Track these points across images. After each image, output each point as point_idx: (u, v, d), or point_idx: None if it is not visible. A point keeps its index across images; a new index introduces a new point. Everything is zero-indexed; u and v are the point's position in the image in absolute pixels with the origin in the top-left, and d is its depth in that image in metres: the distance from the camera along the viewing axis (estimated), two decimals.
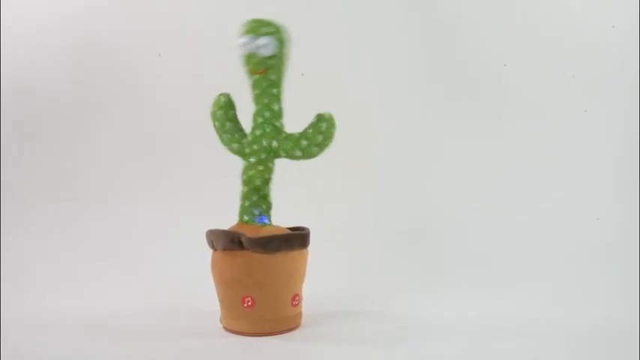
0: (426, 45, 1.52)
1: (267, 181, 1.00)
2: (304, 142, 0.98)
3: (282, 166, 1.02)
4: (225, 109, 1.03)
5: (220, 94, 1.04)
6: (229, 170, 1.03)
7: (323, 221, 1.14)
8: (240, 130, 1.03)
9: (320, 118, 0.99)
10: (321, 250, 1.04)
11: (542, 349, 0.91)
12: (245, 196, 1.01)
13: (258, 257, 0.95)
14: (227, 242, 0.97)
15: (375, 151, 1.48)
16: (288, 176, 1.04)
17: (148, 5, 1.55)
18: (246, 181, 1.00)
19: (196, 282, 1.04)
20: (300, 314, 1.02)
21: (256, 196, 1.00)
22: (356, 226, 1.39)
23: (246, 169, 1.01)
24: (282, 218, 1.03)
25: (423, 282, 1.22)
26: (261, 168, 1.00)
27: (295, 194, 1.23)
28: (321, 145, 0.99)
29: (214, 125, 1.04)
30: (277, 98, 1.00)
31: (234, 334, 0.98)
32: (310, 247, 1.01)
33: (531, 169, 1.47)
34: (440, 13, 1.53)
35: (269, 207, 1.01)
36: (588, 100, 1.48)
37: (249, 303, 0.96)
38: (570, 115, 1.48)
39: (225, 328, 1.00)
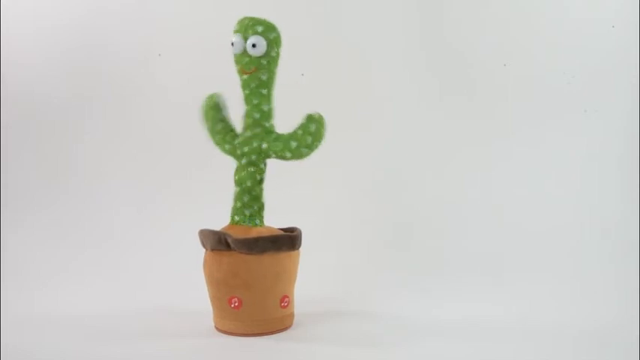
0: (425, 45, 1.52)
1: (258, 182, 1.01)
2: (293, 144, 0.98)
3: (277, 166, 1.02)
4: (217, 110, 1.03)
5: (212, 94, 1.04)
6: (227, 169, 1.03)
7: (317, 222, 1.14)
8: (232, 130, 1.03)
9: (309, 119, 0.99)
10: (315, 250, 1.04)
11: (533, 351, 0.91)
12: (237, 197, 1.01)
13: (245, 258, 0.95)
14: (215, 242, 0.97)
15: (369, 152, 1.48)
16: (283, 177, 1.04)
17: (148, 5, 1.55)
18: (238, 182, 1.01)
19: (192, 282, 1.05)
20: (290, 315, 1.02)
21: (248, 197, 1.00)
22: (350, 227, 1.39)
23: (237, 170, 1.01)
24: (276, 219, 1.03)
25: (416, 283, 1.22)
26: (252, 169, 1.00)
27: (290, 195, 1.23)
28: (311, 147, 0.98)
29: (206, 125, 1.04)
30: (267, 99, 1.00)
31: (224, 334, 0.98)
32: (303, 248, 1.02)
33: (530, 169, 1.47)
34: (440, 14, 1.53)
35: (261, 208, 1.01)
36: (588, 100, 1.48)
37: (237, 304, 0.97)
38: (570, 115, 1.48)
39: (217, 328, 1.00)
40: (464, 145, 1.49)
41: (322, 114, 0.99)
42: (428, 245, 1.35)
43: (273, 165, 1.02)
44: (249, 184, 1.00)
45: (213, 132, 1.04)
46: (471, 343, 0.94)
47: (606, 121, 1.47)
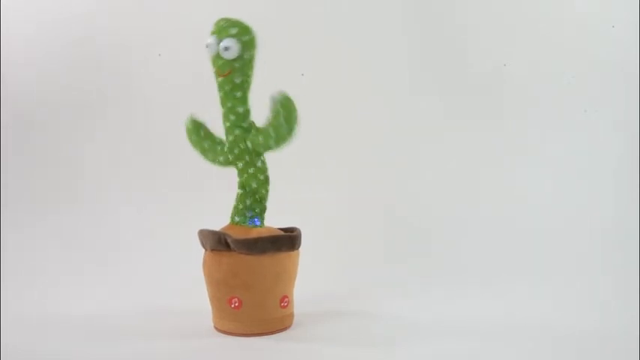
0: (425, 45, 1.52)
1: (263, 182, 1.00)
2: (272, 130, 0.96)
3: (277, 166, 1.02)
4: (196, 132, 1.03)
5: (187, 119, 1.04)
6: (226, 170, 1.03)
7: (317, 222, 1.14)
8: (219, 142, 1.02)
9: (274, 102, 0.96)
10: (314, 251, 1.04)
11: (533, 352, 0.91)
12: (239, 199, 1.01)
13: (244, 258, 0.95)
14: (214, 243, 0.97)
15: (368, 152, 1.48)
16: (282, 177, 1.04)
17: (148, 5, 1.55)
18: (241, 185, 1.01)
19: (192, 282, 1.05)
20: (290, 315, 1.02)
21: (251, 199, 1.00)
22: (350, 228, 1.39)
23: (240, 174, 1.01)
24: (276, 219, 1.03)
25: (416, 283, 1.22)
26: (252, 170, 1.00)
27: (290, 195, 1.23)
28: (288, 124, 0.95)
29: (196, 150, 1.04)
30: (241, 101, 0.98)
31: (224, 334, 0.98)
32: (302, 248, 1.02)
33: (529, 169, 1.47)
34: (440, 14, 1.53)
35: (263, 210, 1.01)
36: (588, 100, 1.48)
37: (237, 304, 0.97)
38: (570, 115, 1.48)
39: (216, 328, 1.00)
40: (463, 145, 1.49)
41: (283, 91, 0.95)
42: (428, 245, 1.35)
43: (273, 165, 1.02)
44: (254, 185, 1.00)
45: (203, 152, 1.03)
46: (471, 343, 0.94)
47: (606, 121, 1.47)
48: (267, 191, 1.01)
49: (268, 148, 0.98)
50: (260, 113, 0.98)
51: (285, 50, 1.44)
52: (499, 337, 0.96)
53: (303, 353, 0.93)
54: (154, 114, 1.54)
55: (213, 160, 1.03)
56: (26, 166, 1.54)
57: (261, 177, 1.01)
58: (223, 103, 0.99)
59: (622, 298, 1.12)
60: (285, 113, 0.95)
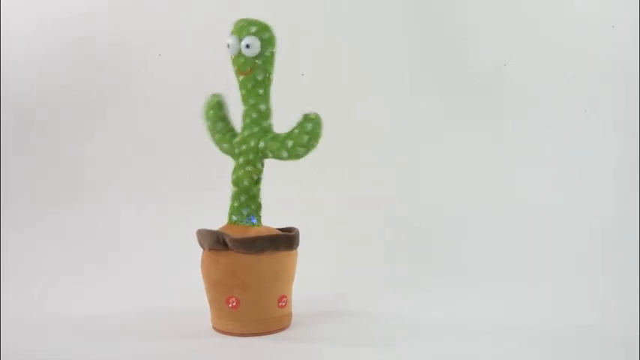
0: (425, 45, 1.52)
1: (255, 182, 1.01)
2: (290, 143, 0.98)
3: (276, 166, 1.02)
4: (217, 109, 1.05)
5: (212, 95, 1.06)
6: (225, 170, 1.03)
7: (316, 222, 1.14)
8: (232, 130, 1.04)
9: (306, 118, 0.98)
10: (314, 250, 1.04)
11: (533, 352, 0.91)
12: (234, 197, 1.02)
13: (242, 258, 0.96)
14: (212, 242, 0.98)
15: (368, 152, 1.48)
16: (282, 177, 1.04)
17: (149, 5, 1.56)
18: (235, 182, 1.01)
19: (191, 282, 1.05)
20: (288, 315, 1.02)
21: (245, 196, 1.01)
22: (349, 227, 1.39)
23: (235, 170, 1.02)
24: (275, 219, 1.03)
25: (416, 283, 1.22)
26: (249, 169, 1.00)
27: (289, 195, 1.23)
28: (307, 146, 0.98)
29: (206, 125, 1.05)
30: (264, 98, 1.00)
31: (222, 334, 0.99)
32: (301, 248, 1.02)
33: (529, 169, 1.47)
34: (440, 14, 1.53)
35: (258, 207, 1.02)
36: (588, 100, 1.48)
37: (234, 303, 0.97)
38: (570, 115, 1.48)
39: (214, 328, 1.01)
40: (463, 145, 1.49)
41: (319, 113, 0.98)
42: (428, 245, 1.35)
43: (272, 165, 1.02)
44: (246, 183, 1.00)
45: (213, 131, 1.05)
46: (471, 343, 0.94)
47: (606, 121, 1.47)
48: (258, 191, 1.02)
49: (279, 156, 0.99)
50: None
51: (285, 50, 1.43)
52: (499, 337, 0.96)
53: (302, 353, 0.93)
54: (154, 114, 1.54)
55: (218, 143, 1.04)
56: (26, 166, 1.54)
57: (255, 177, 1.01)
58: (245, 101, 1.01)
59: (622, 298, 1.12)
60: (312, 133, 0.97)
